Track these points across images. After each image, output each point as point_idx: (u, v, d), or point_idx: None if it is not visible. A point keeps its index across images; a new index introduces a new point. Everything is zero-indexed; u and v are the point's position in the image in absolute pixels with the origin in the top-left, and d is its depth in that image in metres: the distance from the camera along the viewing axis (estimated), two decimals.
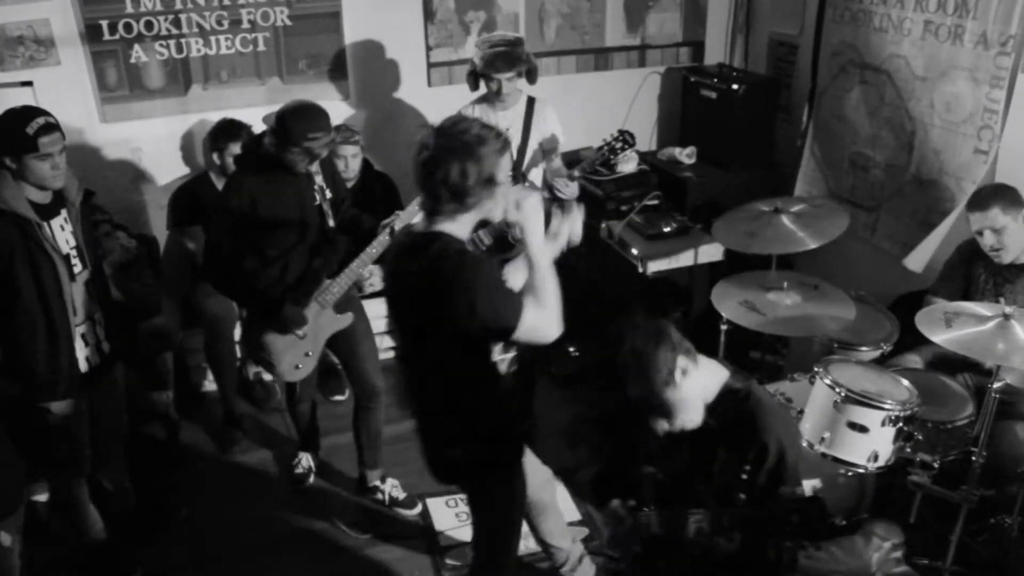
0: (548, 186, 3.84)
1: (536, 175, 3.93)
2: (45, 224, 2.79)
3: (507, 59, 3.68)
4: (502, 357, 2.49)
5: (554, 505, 3.03)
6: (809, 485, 2.94)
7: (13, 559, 2.56)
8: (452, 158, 2.20)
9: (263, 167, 3.20)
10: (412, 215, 3.39)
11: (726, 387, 2.36)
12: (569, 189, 3.76)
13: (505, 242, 3.79)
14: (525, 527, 2.79)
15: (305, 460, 3.88)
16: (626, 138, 3.69)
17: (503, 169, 2.26)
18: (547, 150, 3.89)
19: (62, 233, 2.86)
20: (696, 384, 2.30)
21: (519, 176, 3.86)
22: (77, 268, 2.92)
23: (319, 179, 3.32)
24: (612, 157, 3.80)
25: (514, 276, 2.48)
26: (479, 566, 2.71)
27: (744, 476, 2.28)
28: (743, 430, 2.29)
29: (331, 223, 3.35)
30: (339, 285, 3.37)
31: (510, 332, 2.22)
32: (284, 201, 3.23)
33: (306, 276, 3.33)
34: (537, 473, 2.86)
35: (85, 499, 3.18)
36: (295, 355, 3.40)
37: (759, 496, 2.26)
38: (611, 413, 2.37)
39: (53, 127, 2.74)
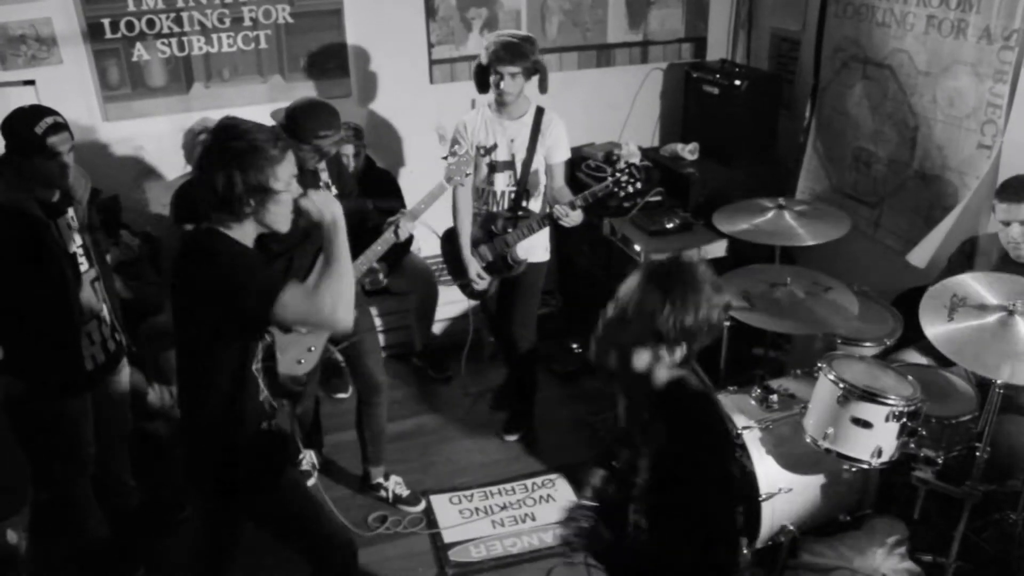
0: (549, 209, 3.65)
1: (537, 198, 3.80)
2: (52, 223, 2.80)
3: (513, 51, 3.49)
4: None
5: None
6: None
7: (20, 556, 2.57)
8: (219, 166, 2.18)
9: None
10: (418, 213, 3.40)
11: (674, 381, 2.08)
12: (571, 219, 3.55)
13: (505, 262, 3.76)
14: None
15: (308, 457, 3.88)
16: (633, 172, 3.57)
17: (280, 178, 2.22)
18: (550, 165, 3.73)
19: (69, 232, 2.88)
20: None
21: (521, 194, 3.73)
22: (84, 267, 2.94)
23: (324, 175, 3.33)
24: (617, 191, 3.59)
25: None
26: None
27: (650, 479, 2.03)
28: (658, 432, 2.03)
29: None
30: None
31: (265, 310, 2.19)
32: None
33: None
34: None
35: (89, 497, 3.19)
36: (298, 350, 3.40)
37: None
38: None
39: (61, 126, 2.76)
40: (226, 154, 2.18)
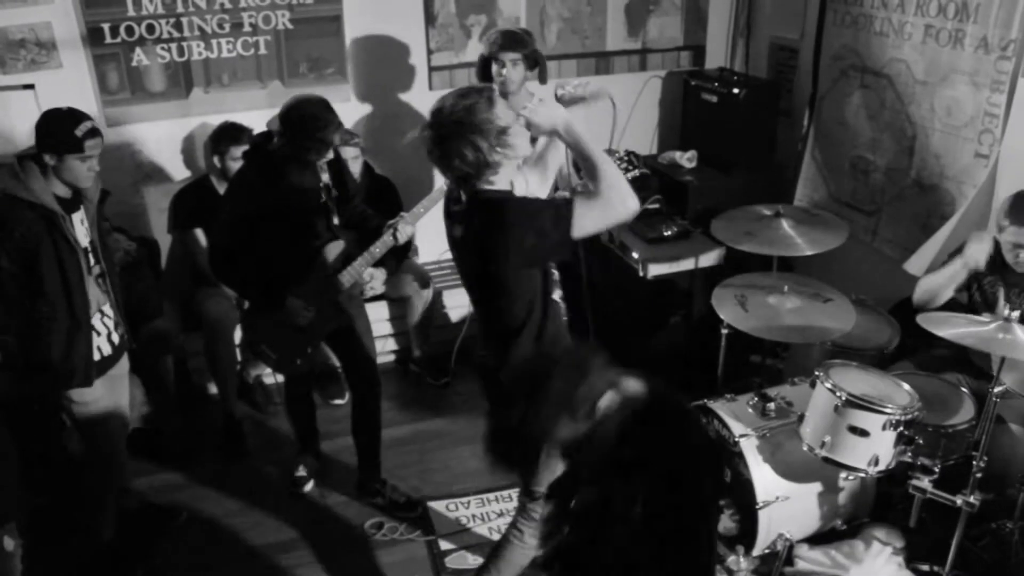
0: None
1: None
2: (68, 218, 2.89)
3: (513, 39, 3.65)
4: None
5: None
6: None
7: (15, 563, 2.57)
8: (456, 143, 2.31)
9: (269, 164, 3.22)
10: (417, 216, 3.41)
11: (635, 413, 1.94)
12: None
13: None
14: None
15: (305, 463, 3.88)
16: (632, 159, 3.67)
17: (504, 116, 2.34)
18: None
19: (81, 228, 2.97)
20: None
21: None
22: (91, 263, 3.02)
23: (325, 177, 3.34)
24: None
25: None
26: None
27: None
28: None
29: (336, 220, 3.38)
30: (341, 281, 3.38)
31: (566, 246, 2.37)
32: (287, 197, 3.24)
33: (309, 271, 3.34)
34: None
35: (112, 497, 3.21)
36: (294, 349, 3.41)
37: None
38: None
39: (97, 132, 2.89)
40: (457, 129, 2.31)
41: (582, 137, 2.38)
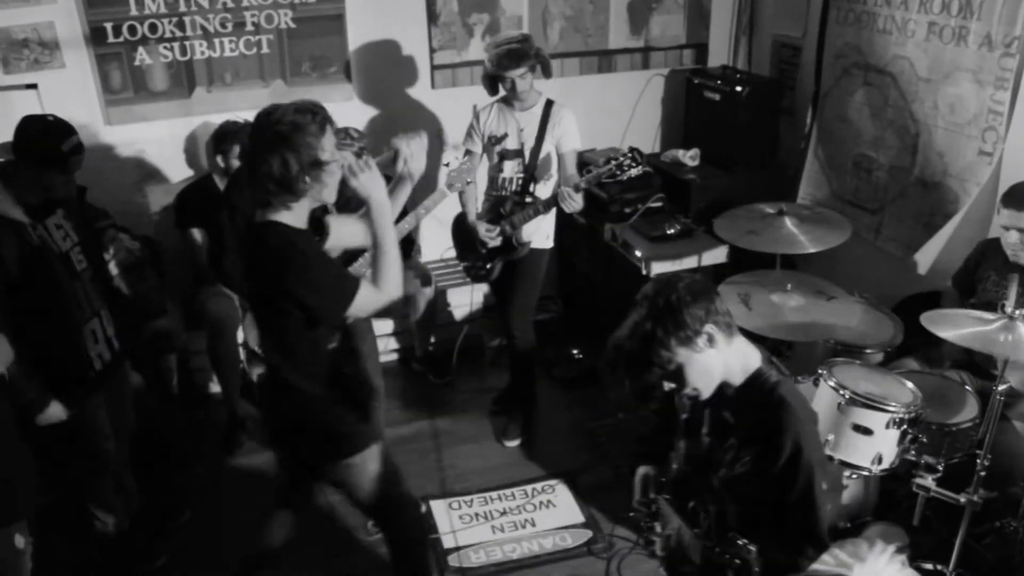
0: (553, 196, 3.76)
1: (545, 184, 3.90)
2: (40, 225, 2.79)
3: (515, 56, 3.67)
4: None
5: None
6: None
7: (25, 561, 2.57)
8: (271, 151, 2.27)
9: None
10: (419, 217, 3.41)
11: (754, 375, 2.17)
12: (574, 203, 3.65)
13: (510, 244, 3.83)
14: None
15: None
16: (636, 156, 3.68)
17: (326, 149, 2.31)
18: (561, 154, 3.85)
19: (59, 231, 2.87)
20: (718, 359, 2.10)
21: (529, 180, 3.86)
22: (81, 265, 2.93)
23: None
24: (619, 174, 3.74)
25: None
26: None
27: (754, 471, 2.14)
28: (760, 424, 2.12)
29: None
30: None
31: (339, 313, 2.39)
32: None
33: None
34: None
35: (110, 492, 3.20)
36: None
37: (766, 495, 2.12)
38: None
39: (83, 148, 2.83)
40: (275, 139, 2.27)
41: (383, 221, 2.43)
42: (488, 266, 3.97)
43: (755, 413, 2.14)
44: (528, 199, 3.86)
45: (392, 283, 2.42)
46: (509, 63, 3.68)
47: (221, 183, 4.05)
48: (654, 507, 2.42)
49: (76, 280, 2.89)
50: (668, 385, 2.15)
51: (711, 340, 2.06)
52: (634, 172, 3.66)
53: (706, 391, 2.15)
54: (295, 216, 2.37)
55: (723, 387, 2.16)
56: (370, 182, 2.41)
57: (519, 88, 3.72)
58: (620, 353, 2.09)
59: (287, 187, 2.30)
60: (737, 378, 2.17)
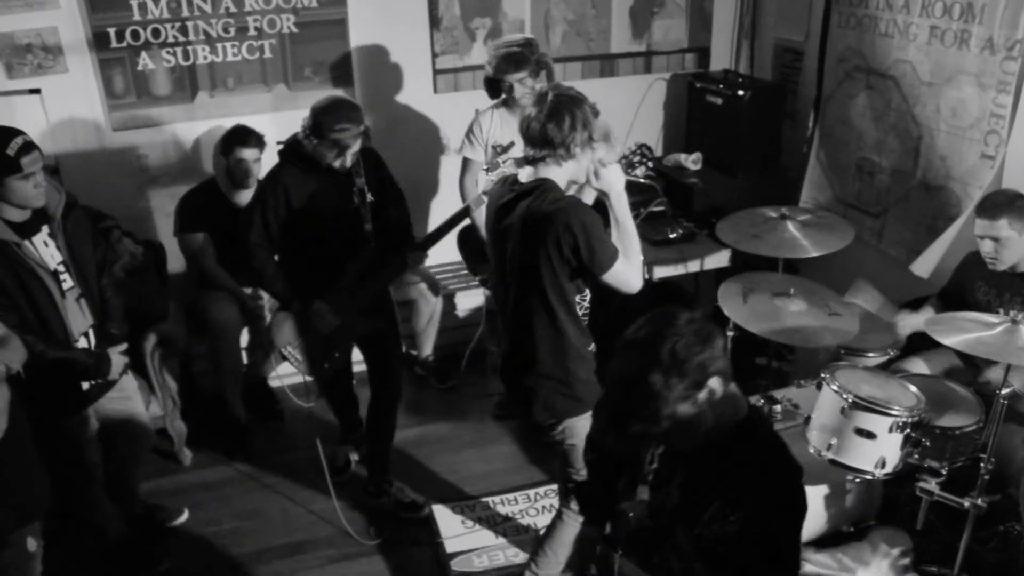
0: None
1: None
2: (27, 242, 2.75)
3: (515, 60, 3.65)
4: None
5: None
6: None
7: (36, 563, 2.57)
8: (571, 109, 2.52)
9: (301, 163, 3.26)
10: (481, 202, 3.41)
11: (741, 426, 1.92)
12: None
13: None
14: None
15: (344, 452, 3.90)
16: (644, 152, 3.66)
17: (598, 130, 2.60)
18: None
19: (46, 249, 2.81)
20: (710, 413, 1.85)
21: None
22: (67, 284, 2.86)
23: (360, 181, 3.33)
24: (629, 171, 3.69)
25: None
26: None
27: (738, 532, 1.84)
28: (748, 482, 1.86)
29: (368, 226, 3.37)
30: (369, 290, 3.39)
31: (603, 272, 2.55)
32: (318, 198, 3.26)
33: (337, 276, 3.34)
34: None
35: (101, 500, 3.20)
36: (321, 354, 3.41)
37: (745, 557, 1.86)
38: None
39: (32, 145, 2.69)
40: (577, 103, 2.55)
41: (625, 209, 2.64)
42: None
43: (742, 470, 1.88)
44: None
45: (638, 272, 2.65)
46: (507, 67, 3.66)
47: (224, 187, 4.05)
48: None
49: (63, 299, 2.83)
50: (643, 431, 1.88)
51: (712, 394, 1.82)
52: (640, 172, 3.64)
53: (688, 445, 1.92)
54: (560, 176, 2.61)
55: (706, 437, 1.89)
56: (610, 178, 2.62)
57: (517, 93, 3.69)
58: (607, 411, 1.92)
59: (568, 145, 2.53)
60: (723, 428, 1.89)
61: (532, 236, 2.55)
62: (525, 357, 2.71)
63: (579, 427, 2.70)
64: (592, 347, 2.75)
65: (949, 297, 3.45)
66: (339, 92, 4.45)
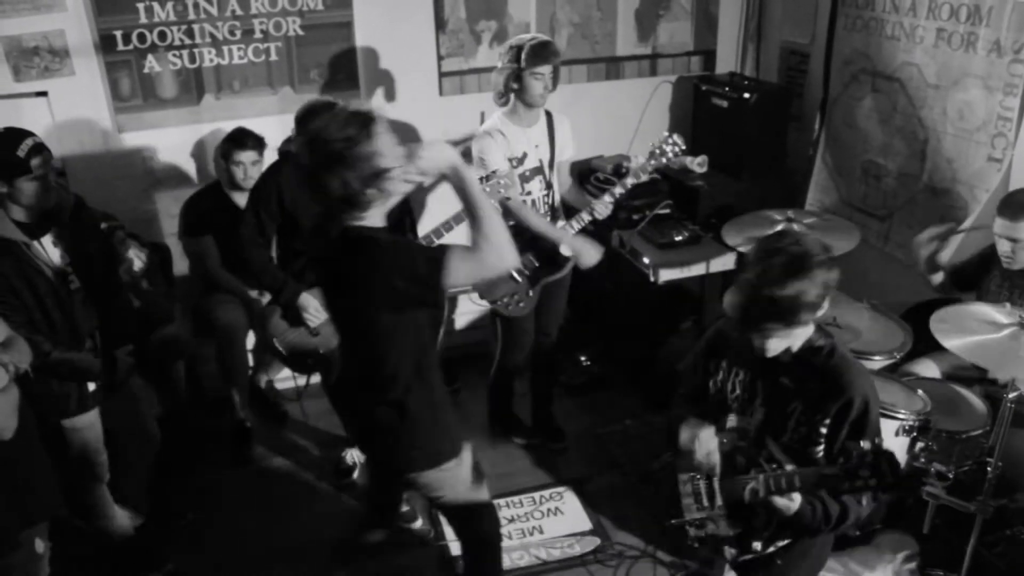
0: (566, 206, 3.74)
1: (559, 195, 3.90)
2: (35, 243, 2.77)
3: (550, 52, 3.53)
4: None
5: None
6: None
7: (43, 564, 2.58)
8: (327, 173, 2.18)
9: (287, 168, 3.32)
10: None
11: (809, 343, 2.34)
12: (606, 208, 3.70)
13: (554, 262, 3.78)
14: None
15: (351, 455, 3.90)
16: (676, 141, 3.66)
17: (385, 155, 2.20)
18: (560, 162, 3.83)
19: (54, 249, 2.84)
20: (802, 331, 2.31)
21: (554, 195, 3.83)
22: (74, 285, 2.89)
23: None
24: (662, 163, 3.66)
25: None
26: None
27: (823, 431, 2.28)
28: (826, 385, 2.28)
29: None
30: None
31: (434, 294, 2.26)
32: (301, 200, 3.27)
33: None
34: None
35: (106, 502, 3.21)
36: (307, 350, 3.43)
37: (838, 451, 2.26)
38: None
39: (42, 147, 2.71)
40: (328, 160, 2.17)
41: (470, 180, 2.26)
42: (530, 292, 3.82)
43: (818, 376, 2.29)
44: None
45: (496, 251, 2.23)
46: (539, 59, 3.49)
47: (228, 190, 4.07)
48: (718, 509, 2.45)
49: (70, 300, 2.85)
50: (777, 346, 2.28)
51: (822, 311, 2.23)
52: (673, 158, 3.63)
53: (783, 351, 2.31)
54: (371, 222, 2.31)
55: (781, 353, 2.31)
56: (436, 154, 2.26)
57: (536, 91, 3.53)
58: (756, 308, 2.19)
59: (352, 204, 2.23)
60: (797, 344, 2.33)
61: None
62: None
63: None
64: None
65: (960, 275, 3.45)
66: (345, 95, 4.46)
